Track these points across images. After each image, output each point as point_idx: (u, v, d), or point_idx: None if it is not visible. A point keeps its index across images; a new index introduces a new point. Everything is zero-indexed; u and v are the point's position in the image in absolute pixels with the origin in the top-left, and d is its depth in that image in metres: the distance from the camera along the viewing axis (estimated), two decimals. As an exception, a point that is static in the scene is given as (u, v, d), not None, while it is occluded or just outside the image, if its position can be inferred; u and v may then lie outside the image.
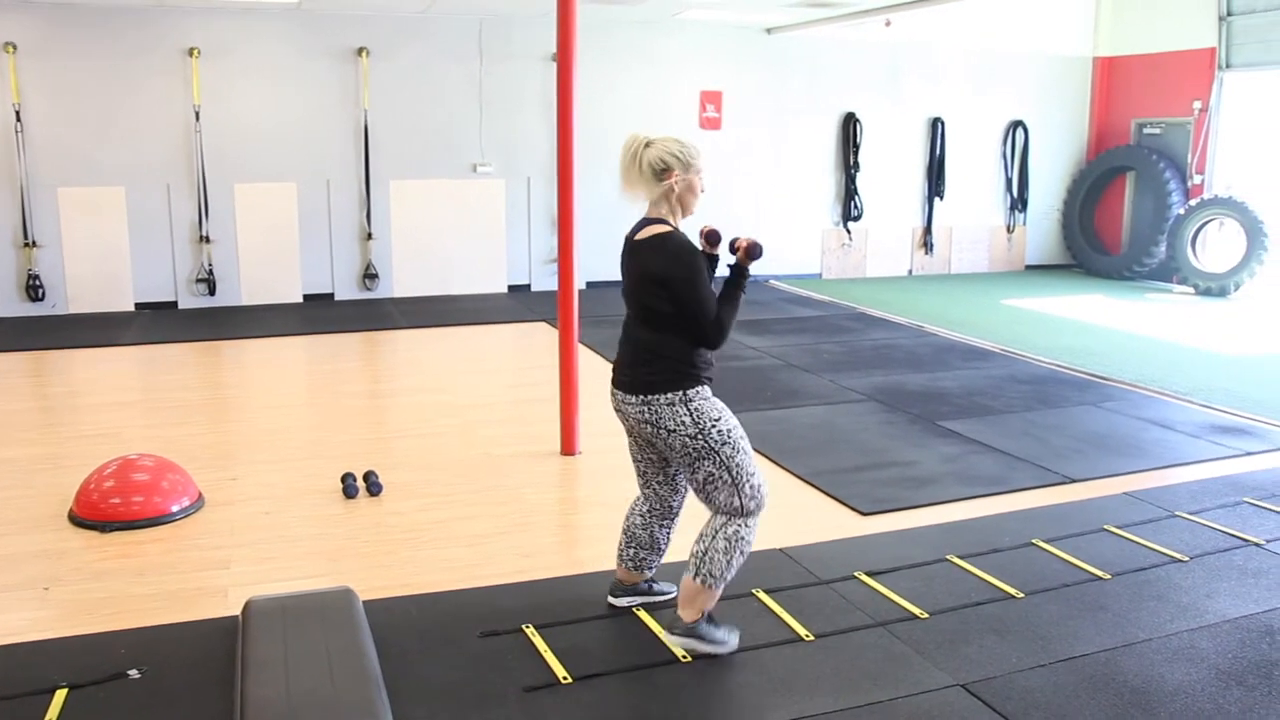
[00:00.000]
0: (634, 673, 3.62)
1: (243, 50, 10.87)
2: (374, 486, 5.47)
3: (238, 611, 3.87)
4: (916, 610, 4.11)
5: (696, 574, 3.66)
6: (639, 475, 3.97)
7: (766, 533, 4.82)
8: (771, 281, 13.18)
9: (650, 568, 4.08)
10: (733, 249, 3.79)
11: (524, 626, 3.94)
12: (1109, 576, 4.47)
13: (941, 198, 14.06)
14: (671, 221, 3.67)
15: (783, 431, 6.59)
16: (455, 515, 5.19)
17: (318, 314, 10.71)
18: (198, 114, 10.71)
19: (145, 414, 7.07)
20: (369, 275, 11.60)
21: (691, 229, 3.67)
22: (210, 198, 10.89)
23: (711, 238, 3.78)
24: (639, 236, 3.67)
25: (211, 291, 11.03)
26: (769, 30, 12.79)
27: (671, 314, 3.58)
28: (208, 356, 8.91)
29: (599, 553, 4.76)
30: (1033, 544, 4.81)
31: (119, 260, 10.71)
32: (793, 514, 5.25)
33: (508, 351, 9.43)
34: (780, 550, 4.68)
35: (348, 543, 4.85)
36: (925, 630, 3.95)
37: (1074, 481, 5.77)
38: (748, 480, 3.64)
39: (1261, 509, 5.33)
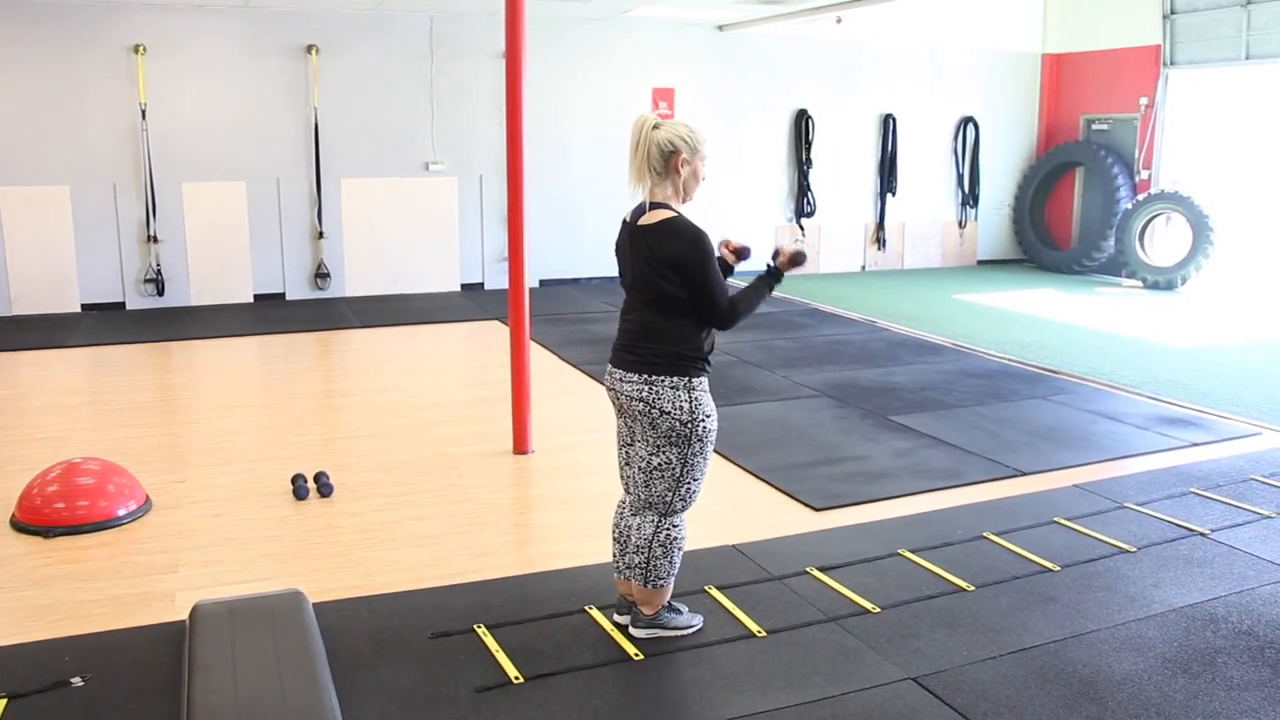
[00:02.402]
0: (586, 671, 3.61)
1: (190, 47, 10.72)
2: (325, 488, 5.41)
3: (185, 616, 3.81)
4: (868, 605, 4.12)
5: (645, 581, 3.74)
6: (621, 468, 3.91)
7: (719, 529, 4.86)
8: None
9: None
10: (774, 256, 3.85)
11: (475, 627, 3.91)
12: (1058, 568, 4.51)
13: (894, 194, 14.15)
14: (675, 206, 3.64)
15: (736, 428, 6.59)
16: (407, 515, 5.15)
17: (269, 314, 10.59)
18: (144, 112, 10.55)
19: (92, 417, 6.96)
20: (321, 275, 11.49)
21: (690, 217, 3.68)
22: (158, 197, 10.73)
23: (742, 254, 3.84)
24: (645, 221, 3.62)
25: (160, 292, 10.87)
26: (721, 27, 12.81)
27: (681, 297, 3.58)
28: (156, 358, 8.78)
29: (551, 551, 4.75)
30: (983, 537, 4.85)
31: (64, 260, 10.53)
32: (745, 510, 5.26)
33: (460, 350, 9.38)
34: (733, 546, 4.68)
35: (298, 545, 4.80)
36: (877, 625, 3.97)
37: (1024, 474, 5.82)
38: (690, 483, 3.70)
39: (1207, 499, 5.40)
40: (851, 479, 5.68)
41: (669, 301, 3.60)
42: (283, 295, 11.43)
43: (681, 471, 3.66)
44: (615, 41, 12.41)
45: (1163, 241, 13.13)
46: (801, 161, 13.54)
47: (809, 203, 13.62)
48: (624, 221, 3.78)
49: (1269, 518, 5.15)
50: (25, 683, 3.44)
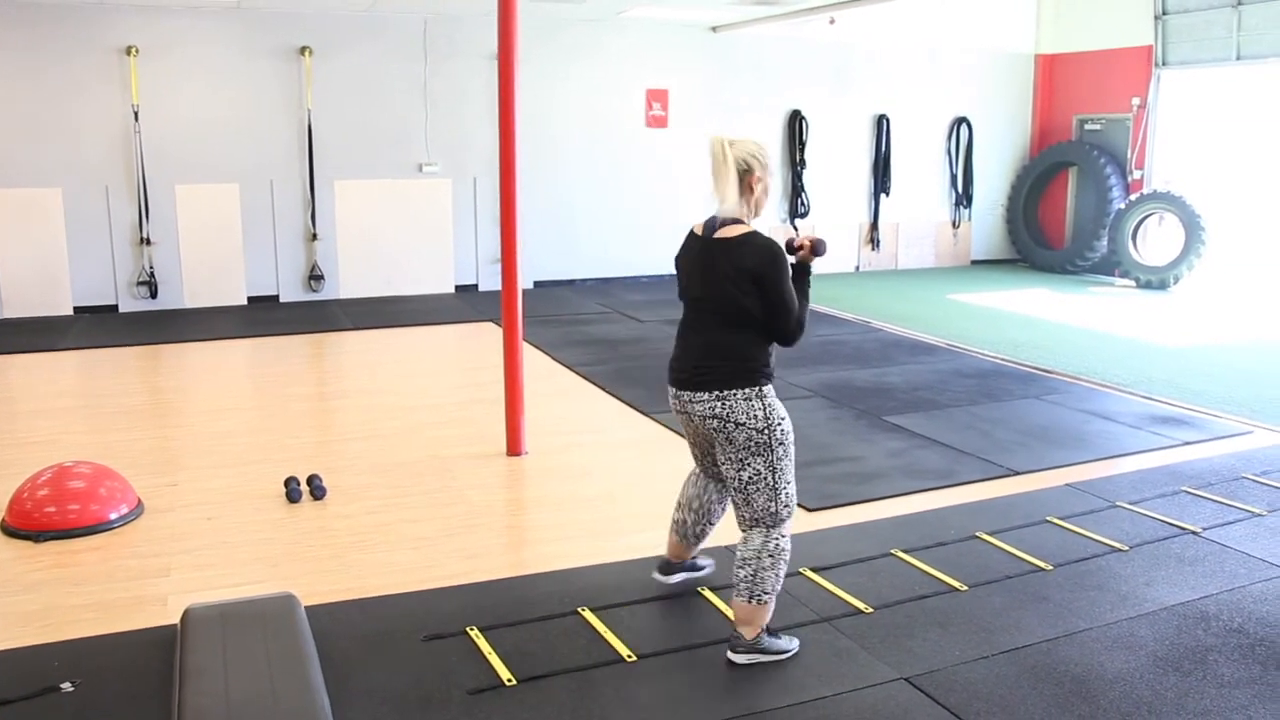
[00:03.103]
0: (578, 673, 3.60)
1: (182, 49, 10.70)
2: (318, 490, 5.40)
3: (177, 620, 3.80)
4: (861, 605, 4.12)
5: (750, 597, 3.68)
6: (699, 460, 4.05)
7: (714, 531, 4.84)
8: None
9: (698, 539, 4.18)
10: (793, 249, 3.87)
11: (468, 629, 3.91)
12: (1051, 567, 4.52)
13: (888, 194, 14.16)
14: (748, 221, 3.70)
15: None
16: (400, 518, 5.14)
17: (262, 316, 10.58)
18: (136, 114, 10.53)
19: (84, 420, 6.94)
20: (314, 276, 11.48)
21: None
22: (151, 199, 10.71)
23: (818, 249, 3.87)
24: (723, 235, 3.66)
25: (153, 294, 10.86)
26: (714, 28, 12.81)
27: (754, 312, 3.63)
28: (149, 360, 8.76)
29: (544, 553, 4.75)
30: (977, 537, 4.85)
31: (56, 263, 10.51)
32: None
33: (454, 352, 9.37)
34: (726, 548, 4.67)
35: (290, 548, 4.79)
36: (870, 625, 3.97)
37: (1018, 474, 5.82)
38: (785, 487, 3.70)
39: (1199, 497, 5.41)
40: (845, 479, 5.68)
41: (743, 316, 3.64)
42: (276, 297, 11.42)
43: (775, 479, 3.67)
44: (609, 42, 12.41)
45: (1155, 241, 13.15)
46: (795, 162, 13.54)
47: (803, 203, 13.62)
48: (691, 233, 3.82)
49: (1260, 516, 5.15)
50: (14, 689, 3.43)
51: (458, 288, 12.16)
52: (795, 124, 13.46)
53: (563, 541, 4.87)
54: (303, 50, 11.08)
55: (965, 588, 4.30)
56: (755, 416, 3.63)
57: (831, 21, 12.49)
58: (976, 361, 8.69)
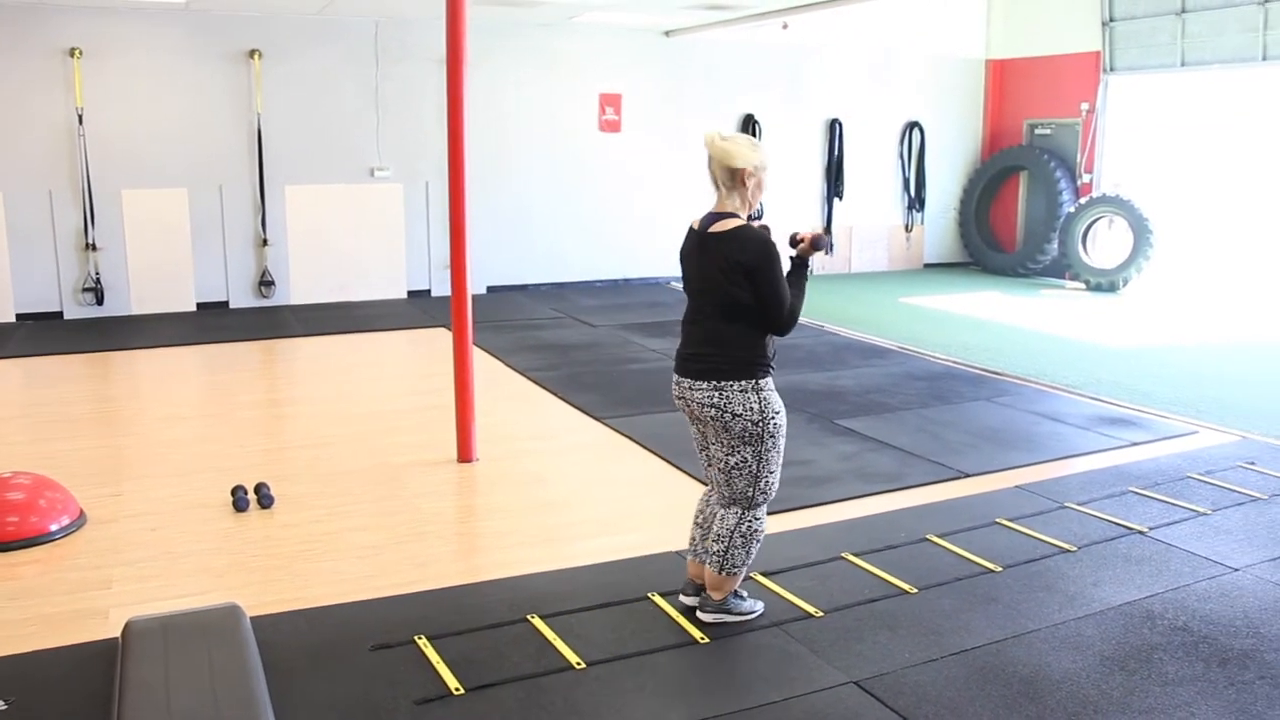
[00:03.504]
0: (527, 681, 3.57)
1: (128, 51, 10.54)
2: (265, 499, 5.34)
3: (118, 634, 3.73)
4: (811, 609, 4.13)
5: (721, 569, 3.91)
6: (707, 468, 4.08)
7: (664, 535, 4.87)
8: (672, 283, 13.20)
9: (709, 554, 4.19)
10: (795, 242, 4.07)
11: (416, 638, 3.87)
12: (1000, 569, 4.55)
13: (841, 198, 14.23)
14: (741, 215, 3.84)
15: (680, 433, 6.52)
16: (349, 526, 5.08)
17: (212, 322, 10.45)
18: (81, 117, 10.36)
19: (25, 430, 6.81)
20: (265, 282, 11.35)
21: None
22: (96, 204, 10.54)
23: (818, 243, 4.03)
24: (717, 229, 3.80)
25: (99, 301, 10.68)
26: (667, 33, 12.83)
27: (749, 304, 3.75)
28: (95, 368, 8.62)
29: (494, 561, 4.72)
30: (927, 539, 4.87)
31: (-1, 270, 10.33)
32: (689, 516, 5.22)
33: (406, 358, 9.30)
34: (677, 553, 4.67)
35: (236, 558, 4.72)
36: (820, 629, 3.98)
37: (968, 476, 5.86)
38: (767, 475, 3.88)
39: (1145, 497, 5.48)
40: (796, 483, 5.67)
41: (738, 308, 3.76)
42: (226, 304, 11.28)
43: (758, 467, 3.83)
44: (563, 47, 12.38)
45: (1105, 244, 13.32)
46: (749, 166, 13.54)
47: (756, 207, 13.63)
48: (690, 229, 3.97)
49: (1204, 515, 5.22)
50: (-51, 704, 3.35)
51: (410, 293, 12.07)
52: (748, 128, 13.48)
53: (513, 548, 4.84)
54: (252, 53, 10.96)
55: (915, 590, 4.32)
56: (751, 409, 3.76)
57: (785, 26, 12.57)
58: (928, 364, 8.75)
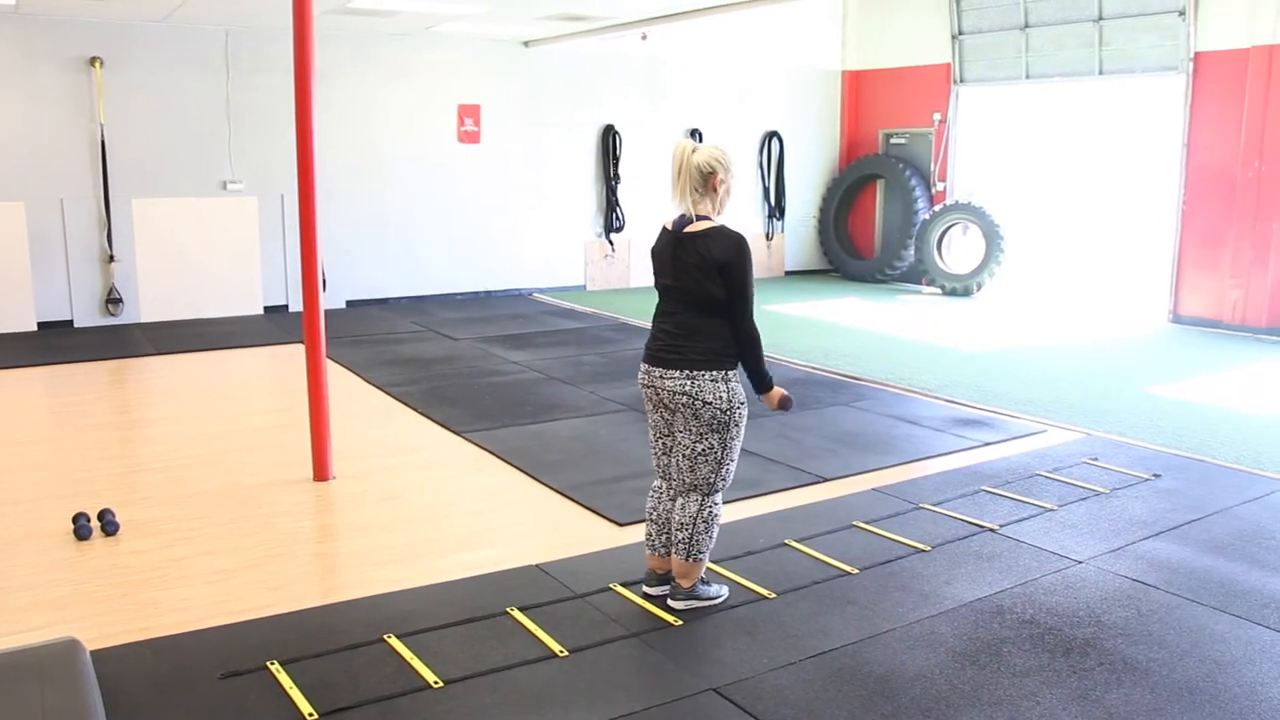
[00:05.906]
0: (383, 703, 3.49)
1: (-42, 60, 10.04)
2: (109, 525, 5.10)
3: (-59, 674, 3.51)
4: (670, 618, 4.13)
5: (688, 555, 4.14)
6: (658, 457, 4.30)
7: (522, 549, 4.83)
8: (535, 295, 13.15)
9: (667, 548, 4.33)
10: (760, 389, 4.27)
11: (269, 663, 3.74)
12: (857, 571, 4.62)
13: (703, 207, 14.33)
14: (714, 218, 4.12)
15: (541, 446, 6.55)
16: (199, 550, 4.90)
17: (54, 343, 9.98)
18: (-93, 129, 9.82)
19: None
20: (112, 300, 10.91)
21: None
22: (-74, 220, 9.99)
23: (785, 404, 4.24)
24: (692, 230, 4.08)
25: (-69, 322, 10.13)
26: (526, 44, 12.78)
27: (721, 300, 4.02)
28: (-75, 393, 8.15)
29: (351, 580, 4.60)
30: (785, 544, 4.93)
31: None
32: (549, 529, 5.21)
33: (261, 375, 9.03)
34: (536, 566, 4.63)
35: (78, 588, 4.50)
36: (679, 637, 3.98)
37: (826, 480, 5.95)
38: (729, 464, 4.14)
39: (997, 496, 5.65)
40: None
41: (710, 302, 4.04)
42: (70, 323, 10.79)
43: (723, 454, 4.09)
44: (421, 58, 12.23)
45: (959, 250, 13.75)
46: (610, 177, 13.60)
47: (618, 218, 13.69)
48: (664, 229, 4.23)
49: (1051, 510, 5.41)
50: None
51: (266, 309, 11.74)
52: (609, 138, 13.53)
53: (371, 567, 4.73)
54: (93, 60, 10.52)
55: (774, 595, 4.36)
56: (720, 397, 4.02)
57: (644, 37, 12.64)
58: (789, 370, 8.88)
